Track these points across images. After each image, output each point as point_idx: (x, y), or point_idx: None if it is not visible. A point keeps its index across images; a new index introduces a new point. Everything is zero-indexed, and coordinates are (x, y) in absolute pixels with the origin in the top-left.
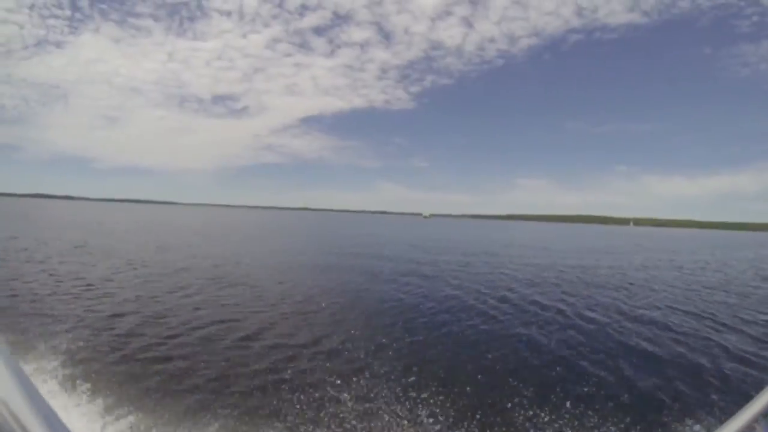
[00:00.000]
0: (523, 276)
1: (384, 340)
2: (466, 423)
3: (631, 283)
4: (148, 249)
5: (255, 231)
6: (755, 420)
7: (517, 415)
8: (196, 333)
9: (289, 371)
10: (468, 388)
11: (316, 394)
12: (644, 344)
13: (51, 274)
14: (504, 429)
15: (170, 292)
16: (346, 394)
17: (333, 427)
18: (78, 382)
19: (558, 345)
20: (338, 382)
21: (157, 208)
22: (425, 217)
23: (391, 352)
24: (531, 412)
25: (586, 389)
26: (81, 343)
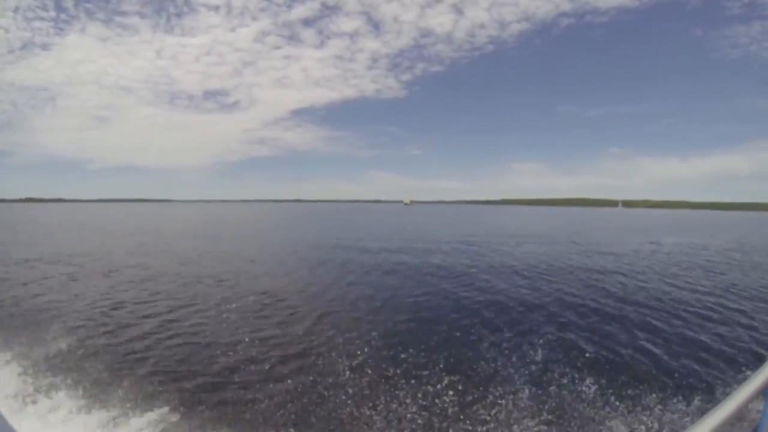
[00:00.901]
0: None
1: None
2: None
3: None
4: (134, 250)
5: (245, 226)
6: (755, 396)
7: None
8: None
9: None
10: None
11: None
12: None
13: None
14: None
15: (168, 293)
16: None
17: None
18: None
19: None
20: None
21: (150, 206)
22: (406, 204)
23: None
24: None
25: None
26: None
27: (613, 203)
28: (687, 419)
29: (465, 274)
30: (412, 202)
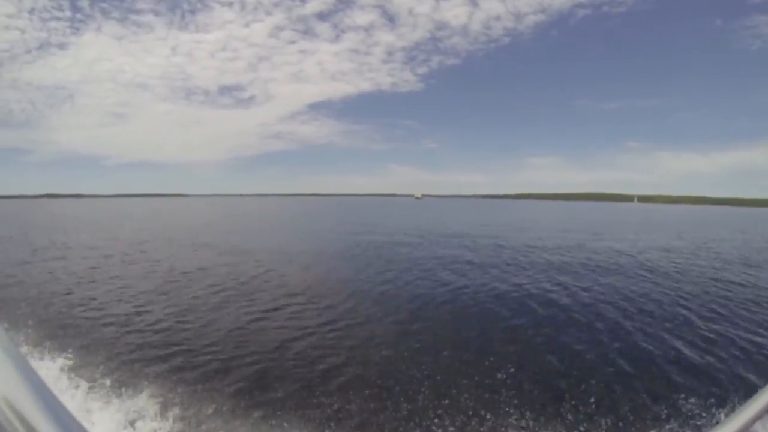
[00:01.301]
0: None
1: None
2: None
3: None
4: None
5: (258, 220)
6: (758, 417)
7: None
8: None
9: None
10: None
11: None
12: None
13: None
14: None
15: (191, 286)
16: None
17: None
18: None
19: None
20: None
21: (167, 201)
22: (417, 198)
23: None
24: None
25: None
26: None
27: (628, 198)
28: None
29: (457, 265)
30: (423, 196)
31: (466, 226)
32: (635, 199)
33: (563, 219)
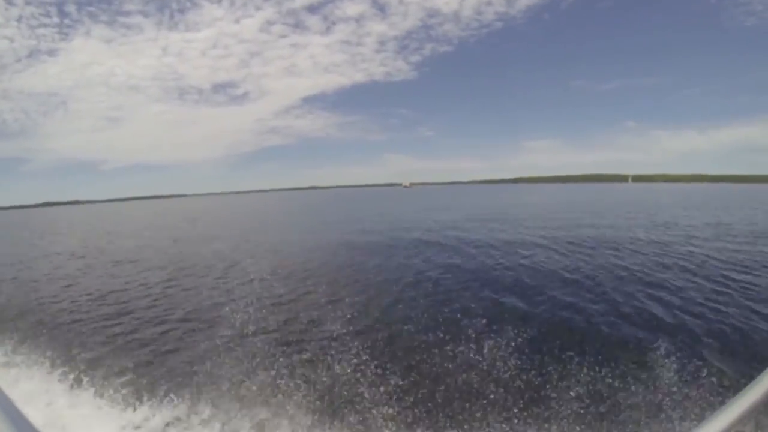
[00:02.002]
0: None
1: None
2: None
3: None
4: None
5: (253, 217)
6: (743, 416)
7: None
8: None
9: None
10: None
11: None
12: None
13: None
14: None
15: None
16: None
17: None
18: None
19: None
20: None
21: (165, 202)
22: (405, 186)
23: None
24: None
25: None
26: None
27: (623, 178)
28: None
29: (422, 251)
30: (412, 184)
31: (442, 214)
32: (630, 179)
33: (550, 203)
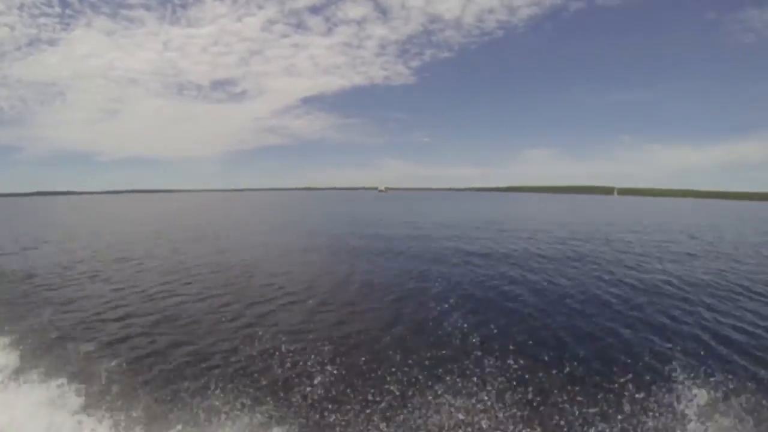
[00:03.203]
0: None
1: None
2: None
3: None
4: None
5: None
6: None
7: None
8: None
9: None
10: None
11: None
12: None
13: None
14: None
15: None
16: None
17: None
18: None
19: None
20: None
21: (160, 196)
22: (380, 191)
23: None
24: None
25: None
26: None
27: (609, 190)
28: None
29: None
30: (388, 189)
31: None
32: (615, 192)
33: (513, 211)
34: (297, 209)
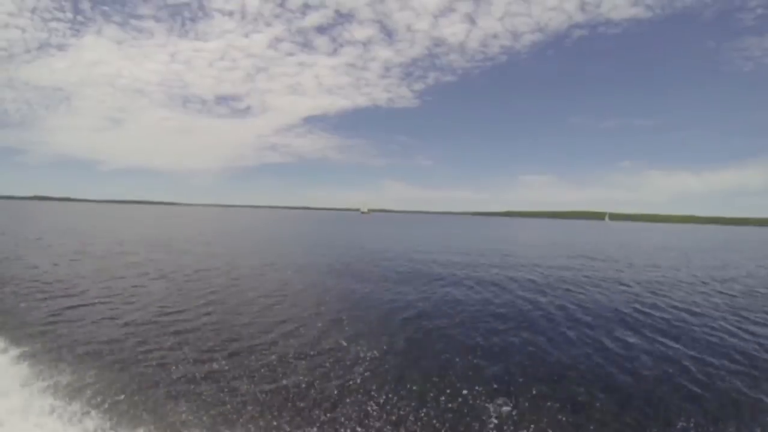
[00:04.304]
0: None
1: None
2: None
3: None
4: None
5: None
6: None
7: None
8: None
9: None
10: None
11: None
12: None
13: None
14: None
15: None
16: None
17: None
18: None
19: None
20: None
21: (159, 209)
22: (363, 213)
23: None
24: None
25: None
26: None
27: (601, 216)
28: None
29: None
30: (370, 211)
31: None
32: (606, 217)
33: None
34: (272, 230)
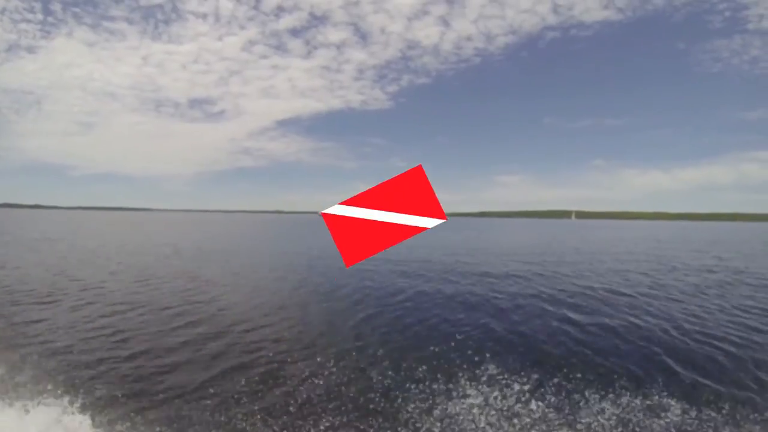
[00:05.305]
0: None
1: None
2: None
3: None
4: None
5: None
6: None
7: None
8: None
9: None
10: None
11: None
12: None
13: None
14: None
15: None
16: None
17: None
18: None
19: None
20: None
21: (128, 215)
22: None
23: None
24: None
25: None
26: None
27: (567, 214)
28: None
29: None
30: None
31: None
32: (573, 215)
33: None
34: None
